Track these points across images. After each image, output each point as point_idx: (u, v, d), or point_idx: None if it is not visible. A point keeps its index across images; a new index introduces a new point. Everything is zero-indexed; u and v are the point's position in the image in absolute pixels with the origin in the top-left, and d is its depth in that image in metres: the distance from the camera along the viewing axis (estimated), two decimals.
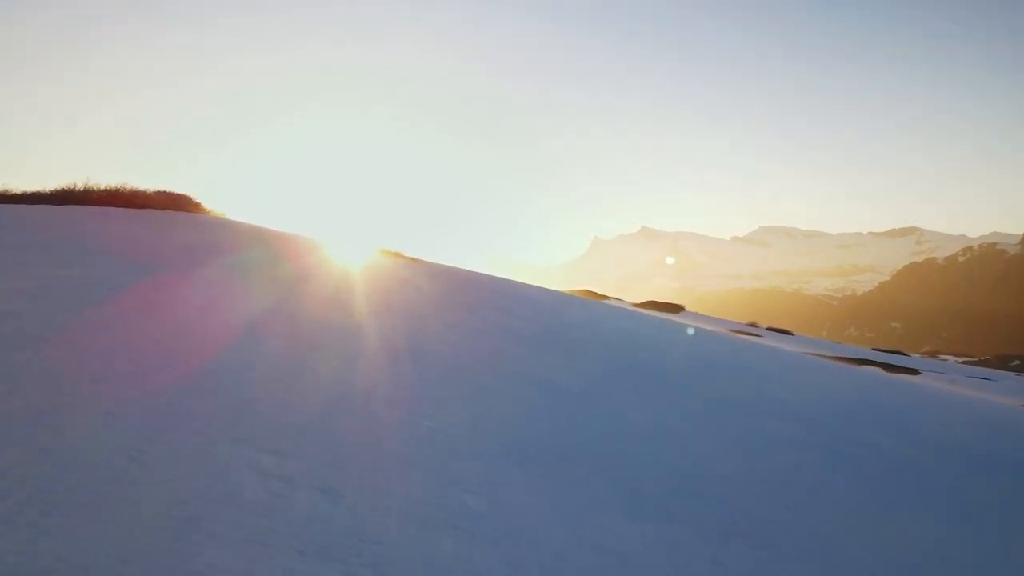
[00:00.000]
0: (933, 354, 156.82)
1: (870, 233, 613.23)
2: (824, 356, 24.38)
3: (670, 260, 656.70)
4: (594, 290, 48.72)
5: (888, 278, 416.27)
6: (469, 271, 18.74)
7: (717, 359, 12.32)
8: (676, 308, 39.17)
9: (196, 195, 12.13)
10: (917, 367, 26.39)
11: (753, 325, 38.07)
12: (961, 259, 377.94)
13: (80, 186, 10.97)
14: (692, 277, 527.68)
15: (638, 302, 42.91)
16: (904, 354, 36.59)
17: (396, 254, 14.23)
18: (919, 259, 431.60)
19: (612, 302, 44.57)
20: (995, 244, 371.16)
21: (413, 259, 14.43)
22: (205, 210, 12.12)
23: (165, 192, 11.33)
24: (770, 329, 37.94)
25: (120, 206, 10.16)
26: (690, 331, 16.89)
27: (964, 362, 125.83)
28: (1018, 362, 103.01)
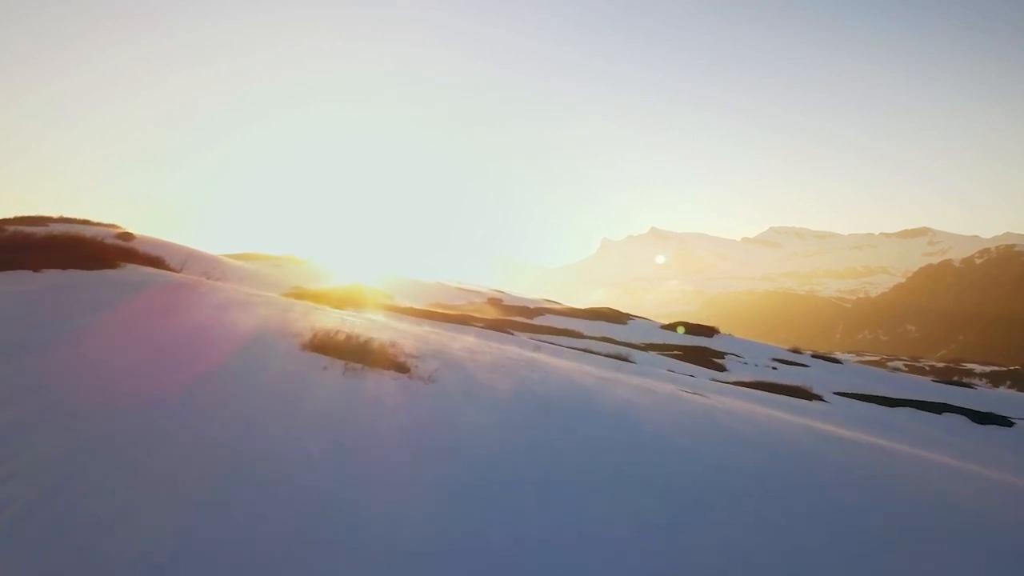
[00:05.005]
0: (955, 361, 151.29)
1: (881, 234, 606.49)
2: (900, 403, 20.65)
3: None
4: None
5: (902, 280, 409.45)
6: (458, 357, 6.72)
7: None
8: (710, 331, 35.58)
9: (109, 219, 8.59)
10: (1008, 414, 22.55)
11: (796, 351, 34.43)
12: (978, 261, 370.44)
13: None
14: (703, 279, 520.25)
15: (666, 323, 39.19)
16: (969, 385, 32.78)
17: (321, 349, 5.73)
18: (932, 260, 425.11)
19: (638, 321, 40.96)
20: (1013, 246, 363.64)
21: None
22: (131, 237, 8.73)
23: (63, 218, 7.96)
24: (815, 356, 34.28)
25: None
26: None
27: (991, 371, 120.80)
28: None
